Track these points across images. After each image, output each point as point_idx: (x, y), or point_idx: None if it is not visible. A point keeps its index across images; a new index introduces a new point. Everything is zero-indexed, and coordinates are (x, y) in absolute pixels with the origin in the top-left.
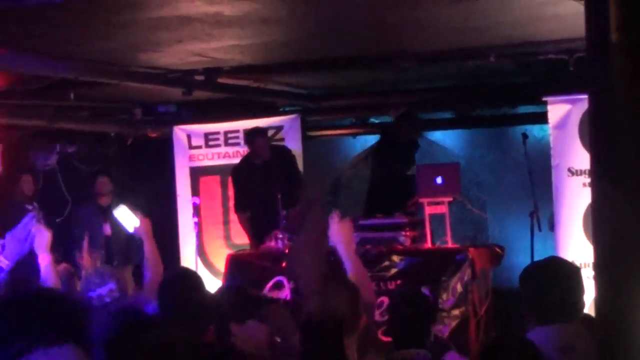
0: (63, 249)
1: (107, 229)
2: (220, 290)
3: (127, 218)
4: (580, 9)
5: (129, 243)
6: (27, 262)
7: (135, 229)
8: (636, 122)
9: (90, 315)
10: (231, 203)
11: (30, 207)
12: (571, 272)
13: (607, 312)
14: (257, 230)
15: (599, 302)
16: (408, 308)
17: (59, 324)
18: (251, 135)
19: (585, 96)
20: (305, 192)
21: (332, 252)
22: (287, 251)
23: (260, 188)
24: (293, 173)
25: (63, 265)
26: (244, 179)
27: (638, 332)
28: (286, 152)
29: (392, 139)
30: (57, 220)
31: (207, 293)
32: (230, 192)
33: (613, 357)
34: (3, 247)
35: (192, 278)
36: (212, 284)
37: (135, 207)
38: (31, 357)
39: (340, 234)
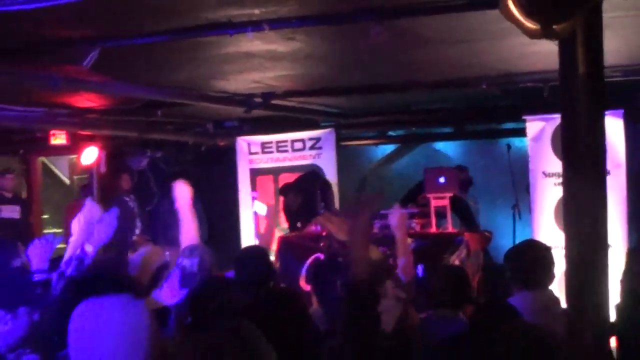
0: (152, 230)
1: None
2: None
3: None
4: (553, 47)
5: (200, 228)
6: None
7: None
8: (596, 136)
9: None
10: (281, 197)
11: (127, 199)
12: (544, 251)
13: (574, 283)
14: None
15: (569, 273)
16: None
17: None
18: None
19: (556, 115)
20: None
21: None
22: (324, 234)
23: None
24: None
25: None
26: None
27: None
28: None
29: None
30: (147, 208)
31: (271, 261)
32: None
33: (580, 314)
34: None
35: (262, 252)
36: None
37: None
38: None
39: (397, 221)
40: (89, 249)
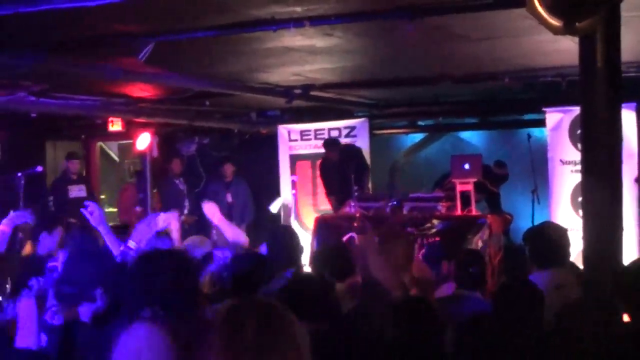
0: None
1: (229, 197)
2: None
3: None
4: (571, 45)
5: (244, 208)
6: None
7: None
8: (613, 127)
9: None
10: (318, 180)
11: (177, 182)
12: (561, 232)
13: (591, 262)
14: (337, 201)
15: (587, 253)
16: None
17: None
18: (325, 145)
19: (574, 107)
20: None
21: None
22: (358, 214)
23: (337, 175)
24: (360, 162)
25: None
26: (325, 173)
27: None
28: (354, 149)
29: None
30: (196, 190)
31: (300, 241)
32: (317, 172)
33: (596, 291)
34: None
35: (292, 231)
36: (303, 237)
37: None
38: None
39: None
40: (132, 244)
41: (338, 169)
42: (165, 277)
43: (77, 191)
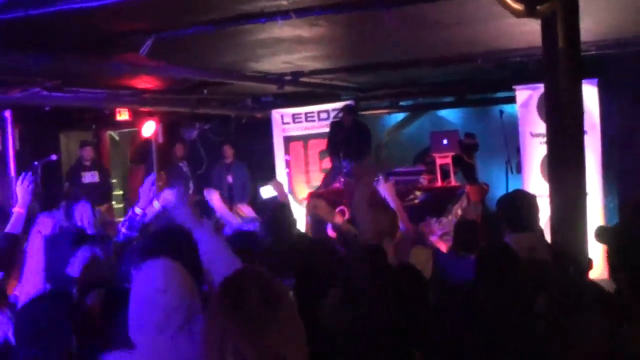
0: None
1: (230, 179)
2: None
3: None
4: (536, 27)
5: (243, 189)
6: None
7: None
8: (575, 101)
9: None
10: (310, 159)
11: (181, 165)
12: (531, 199)
13: (558, 225)
14: (337, 161)
15: (554, 216)
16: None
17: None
18: (342, 110)
19: (541, 85)
20: (360, 164)
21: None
22: (346, 188)
23: (340, 142)
24: (363, 140)
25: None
26: (334, 131)
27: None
28: (363, 126)
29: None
30: (198, 172)
31: (292, 213)
32: (310, 152)
33: (564, 251)
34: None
35: (284, 206)
36: (298, 210)
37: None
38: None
39: (385, 189)
40: (138, 211)
41: (347, 133)
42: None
43: (90, 177)
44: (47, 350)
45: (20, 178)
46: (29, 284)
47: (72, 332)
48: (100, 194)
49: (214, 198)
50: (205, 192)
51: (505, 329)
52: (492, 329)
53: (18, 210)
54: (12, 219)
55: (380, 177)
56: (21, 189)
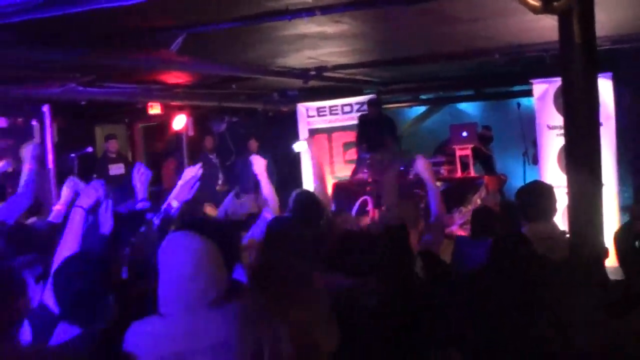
0: (230, 181)
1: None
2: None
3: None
4: (552, 23)
5: (270, 176)
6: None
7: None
8: (590, 94)
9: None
10: (334, 150)
11: (211, 157)
12: (548, 189)
13: (575, 214)
14: (366, 149)
15: (571, 206)
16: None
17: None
18: (367, 103)
19: (557, 78)
20: (386, 155)
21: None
22: (370, 180)
23: (365, 135)
24: (387, 132)
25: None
26: (361, 124)
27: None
28: (388, 119)
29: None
30: (227, 163)
31: (320, 203)
32: (334, 144)
33: (581, 239)
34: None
35: (312, 195)
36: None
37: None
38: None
39: (423, 167)
40: (175, 204)
41: (372, 126)
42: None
43: (116, 169)
44: (86, 310)
45: (69, 180)
46: (63, 254)
47: (108, 291)
48: (125, 185)
49: (259, 162)
50: (252, 158)
51: (507, 317)
52: (494, 314)
53: (58, 207)
54: (52, 215)
55: (418, 156)
56: (66, 189)
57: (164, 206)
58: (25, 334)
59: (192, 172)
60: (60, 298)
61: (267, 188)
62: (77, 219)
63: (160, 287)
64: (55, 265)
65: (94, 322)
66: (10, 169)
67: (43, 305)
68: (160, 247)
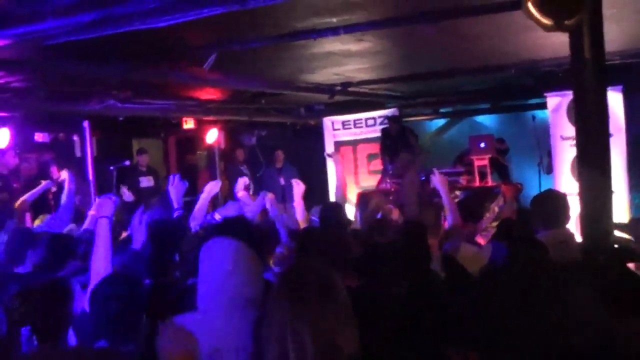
0: (259, 191)
1: (282, 181)
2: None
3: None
4: (563, 39)
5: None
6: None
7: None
8: (600, 106)
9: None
10: (359, 162)
11: (242, 168)
12: (562, 197)
13: (587, 220)
14: (388, 162)
15: (583, 212)
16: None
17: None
18: (388, 119)
19: (570, 92)
20: (405, 156)
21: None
22: (393, 189)
23: (387, 148)
24: (408, 141)
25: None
26: (383, 137)
27: (606, 226)
28: (409, 132)
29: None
30: (257, 174)
31: (345, 213)
32: (358, 155)
33: (593, 243)
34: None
35: (337, 206)
36: (348, 210)
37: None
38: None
39: (439, 182)
40: (217, 217)
41: (394, 140)
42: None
43: (146, 181)
44: (120, 330)
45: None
46: (98, 266)
47: (140, 312)
48: (155, 196)
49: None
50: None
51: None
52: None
53: (92, 213)
54: (87, 221)
55: (435, 171)
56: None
57: (207, 217)
58: (71, 339)
59: (212, 187)
60: (96, 318)
61: (299, 209)
62: (103, 228)
63: (200, 284)
64: (92, 277)
65: (127, 341)
66: (53, 189)
67: (85, 312)
68: (202, 249)
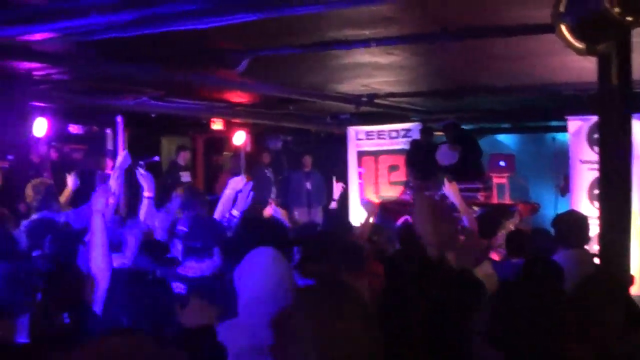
0: (283, 194)
1: (308, 185)
2: None
3: None
4: (590, 64)
5: (320, 194)
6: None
7: None
8: (625, 133)
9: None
10: (380, 172)
11: (266, 171)
12: (583, 218)
13: (606, 241)
14: (414, 175)
15: (602, 234)
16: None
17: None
18: (420, 130)
19: (591, 117)
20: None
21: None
22: (412, 201)
23: (414, 160)
24: (433, 160)
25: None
26: (411, 149)
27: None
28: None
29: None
30: (280, 178)
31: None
32: (380, 165)
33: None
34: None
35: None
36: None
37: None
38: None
39: (450, 191)
40: (235, 213)
41: (421, 152)
42: None
43: (186, 177)
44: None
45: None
46: (99, 266)
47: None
48: None
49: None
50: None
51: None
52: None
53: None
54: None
55: (445, 180)
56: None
57: (227, 216)
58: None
59: (236, 183)
60: (128, 314)
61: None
62: (98, 225)
63: (242, 293)
64: (95, 278)
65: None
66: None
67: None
68: (246, 259)
